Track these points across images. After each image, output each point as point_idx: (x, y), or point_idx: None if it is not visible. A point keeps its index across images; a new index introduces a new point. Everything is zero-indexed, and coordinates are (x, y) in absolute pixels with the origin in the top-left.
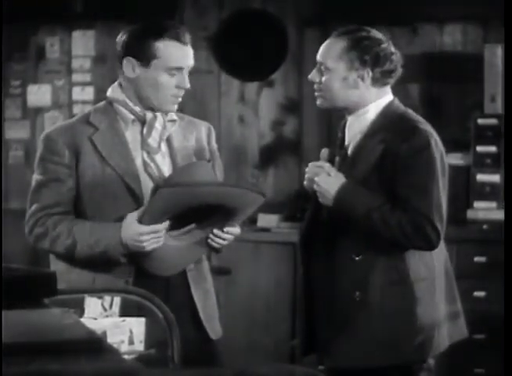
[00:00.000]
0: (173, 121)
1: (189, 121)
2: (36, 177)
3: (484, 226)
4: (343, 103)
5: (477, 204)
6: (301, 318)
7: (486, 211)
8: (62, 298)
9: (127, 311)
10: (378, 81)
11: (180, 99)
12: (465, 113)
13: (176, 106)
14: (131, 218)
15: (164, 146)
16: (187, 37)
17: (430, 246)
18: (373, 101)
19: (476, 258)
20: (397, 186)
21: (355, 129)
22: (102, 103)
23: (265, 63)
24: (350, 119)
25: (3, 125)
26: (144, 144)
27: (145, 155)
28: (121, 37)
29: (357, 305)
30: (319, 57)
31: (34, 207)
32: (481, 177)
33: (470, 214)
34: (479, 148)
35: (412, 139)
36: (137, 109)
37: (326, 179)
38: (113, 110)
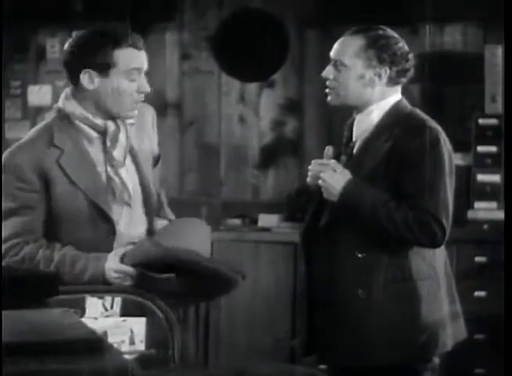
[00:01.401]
0: (132, 124)
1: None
2: (5, 204)
3: (485, 226)
4: (355, 101)
5: (477, 205)
6: (302, 318)
7: (487, 211)
8: (63, 297)
9: (128, 311)
10: (393, 80)
11: (139, 104)
12: (465, 114)
13: (136, 112)
14: (116, 253)
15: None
16: (141, 42)
17: (435, 243)
18: (383, 99)
19: (477, 258)
20: (404, 182)
21: (362, 127)
22: (58, 118)
23: (265, 64)
24: (358, 117)
25: (3, 126)
26: (109, 157)
27: (108, 169)
28: (72, 48)
29: (360, 303)
30: (334, 54)
31: (5, 234)
32: (481, 177)
33: (470, 214)
34: (480, 148)
35: (422, 136)
36: (97, 121)
37: (332, 175)
38: (73, 126)
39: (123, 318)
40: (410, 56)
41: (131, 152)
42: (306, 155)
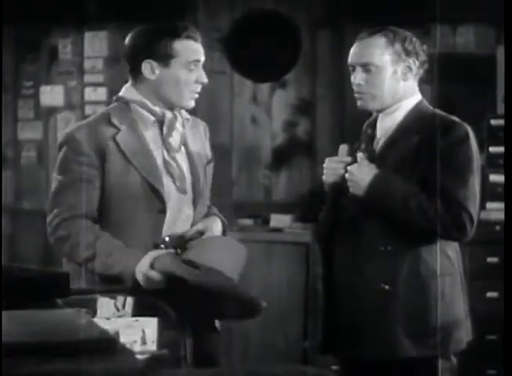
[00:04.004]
0: (187, 119)
1: (191, 119)
2: (58, 178)
3: (497, 227)
4: (391, 99)
5: (489, 205)
6: (319, 316)
7: (499, 211)
8: (75, 298)
9: (139, 311)
10: (417, 73)
11: (197, 95)
12: (478, 114)
13: (193, 102)
14: (150, 256)
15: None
16: (198, 35)
17: (464, 235)
18: (406, 99)
19: (489, 259)
20: (434, 176)
21: (386, 125)
22: (116, 104)
23: (277, 64)
24: (381, 116)
25: (17, 126)
26: (165, 143)
27: (165, 154)
28: (133, 41)
29: (384, 296)
30: (359, 59)
31: (58, 208)
32: (493, 178)
33: (482, 215)
34: (492, 149)
35: (452, 130)
36: (156, 109)
37: (360, 169)
38: (130, 111)
39: (135, 318)
40: (424, 46)
41: (186, 145)
42: (318, 155)
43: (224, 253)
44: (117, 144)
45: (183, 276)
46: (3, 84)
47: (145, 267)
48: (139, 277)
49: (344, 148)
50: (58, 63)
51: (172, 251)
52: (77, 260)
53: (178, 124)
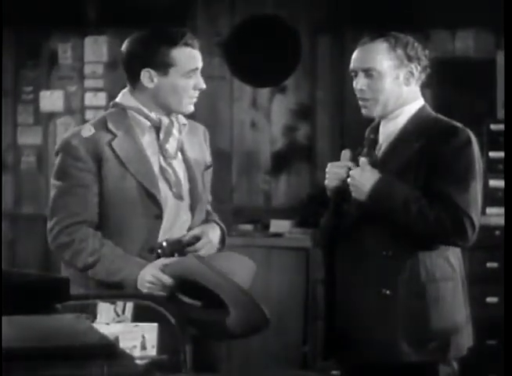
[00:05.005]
0: (184, 124)
1: (189, 124)
2: (57, 184)
3: (497, 232)
4: (394, 104)
5: (489, 210)
6: (322, 321)
7: (498, 217)
8: (75, 303)
9: (139, 316)
10: (419, 78)
11: (195, 100)
12: (477, 119)
13: (192, 107)
14: (157, 262)
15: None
16: (195, 41)
17: (466, 241)
18: (409, 103)
19: (488, 264)
20: (437, 182)
21: (389, 130)
22: (113, 110)
23: (277, 69)
24: (383, 121)
25: (16, 131)
26: (162, 149)
27: (161, 160)
28: (130, 49)
29: (385, 301)
30: (361, 64)
31: (58, 215)
32: (493, 183)
33: (482, 220)
34: (491, 154)
35: (455, 136)
36: (152, 115)
37: (362, 173)
38: (127, 117)
39: (135, 323)
40: (426, 51)
41: (183, 151)
42: (318, 160)
43: (236, 267)
44: (113, 150)
45: (197, 280)
46: (3, 90)
47: (155, 270)
48: (148, 278)
49: (346, 153)
50: (58, 68)
51: (190, 256)
52: (79, 266)
53: (174, 131)
